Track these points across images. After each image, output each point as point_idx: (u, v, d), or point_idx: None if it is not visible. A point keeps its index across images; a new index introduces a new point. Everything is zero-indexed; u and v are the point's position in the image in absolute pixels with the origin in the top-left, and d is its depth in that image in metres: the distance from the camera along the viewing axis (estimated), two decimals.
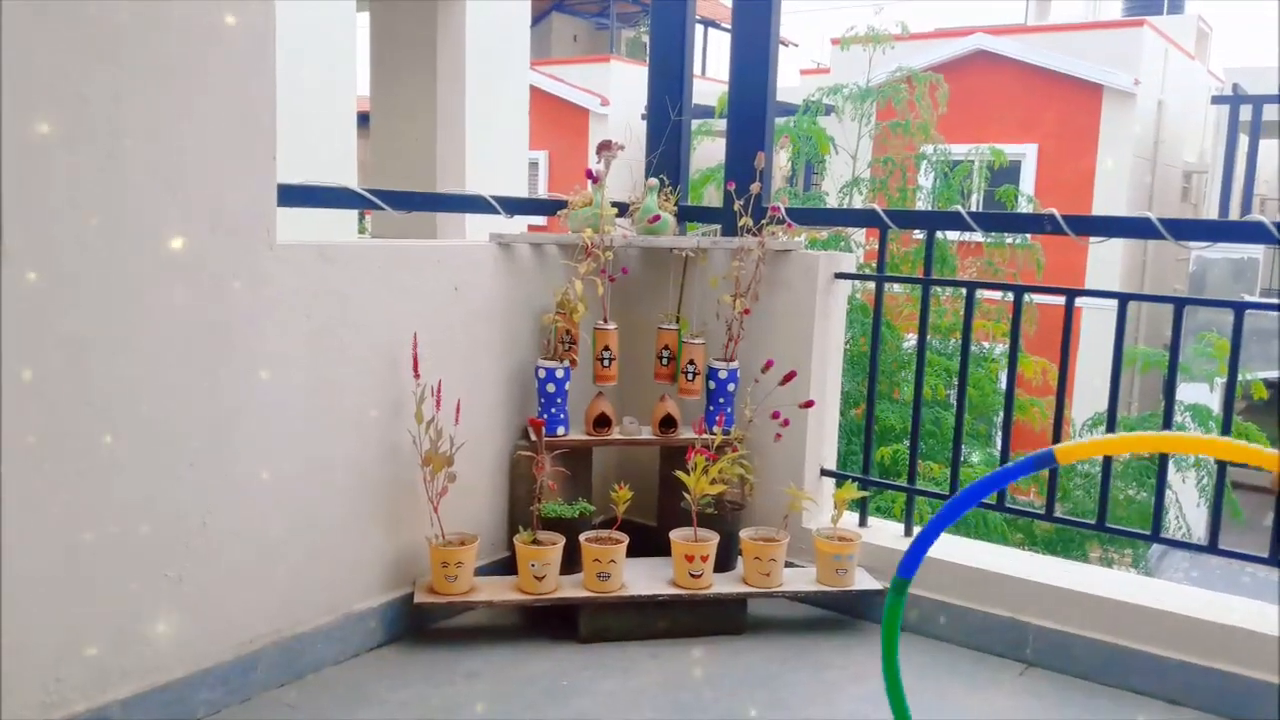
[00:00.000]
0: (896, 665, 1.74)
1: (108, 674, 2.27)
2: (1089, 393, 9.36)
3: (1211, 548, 2.87)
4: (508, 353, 3.25)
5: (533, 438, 3.10)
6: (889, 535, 3.31)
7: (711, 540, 3.06)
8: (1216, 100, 15.18)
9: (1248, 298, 12.11)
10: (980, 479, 1.55)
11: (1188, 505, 9.07)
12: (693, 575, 3.02)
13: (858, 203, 8.95)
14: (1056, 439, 3.13)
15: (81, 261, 2.13)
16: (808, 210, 5.47)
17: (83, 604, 2.22)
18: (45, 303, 2.08)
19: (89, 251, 2.14)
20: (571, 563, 3.03)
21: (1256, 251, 12.65)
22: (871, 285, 3.51)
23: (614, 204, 3.39)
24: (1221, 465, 2.92)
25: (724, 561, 3.15)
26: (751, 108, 3.44)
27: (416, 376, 2.86)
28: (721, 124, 4.19)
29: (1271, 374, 10.11)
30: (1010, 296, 3.26)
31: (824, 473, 3.40)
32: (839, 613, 3.23)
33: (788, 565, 3.14)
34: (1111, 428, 3.12)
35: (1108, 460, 3.10)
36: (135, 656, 2.32)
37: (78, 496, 2.18)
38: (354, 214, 7.40)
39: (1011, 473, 1.55)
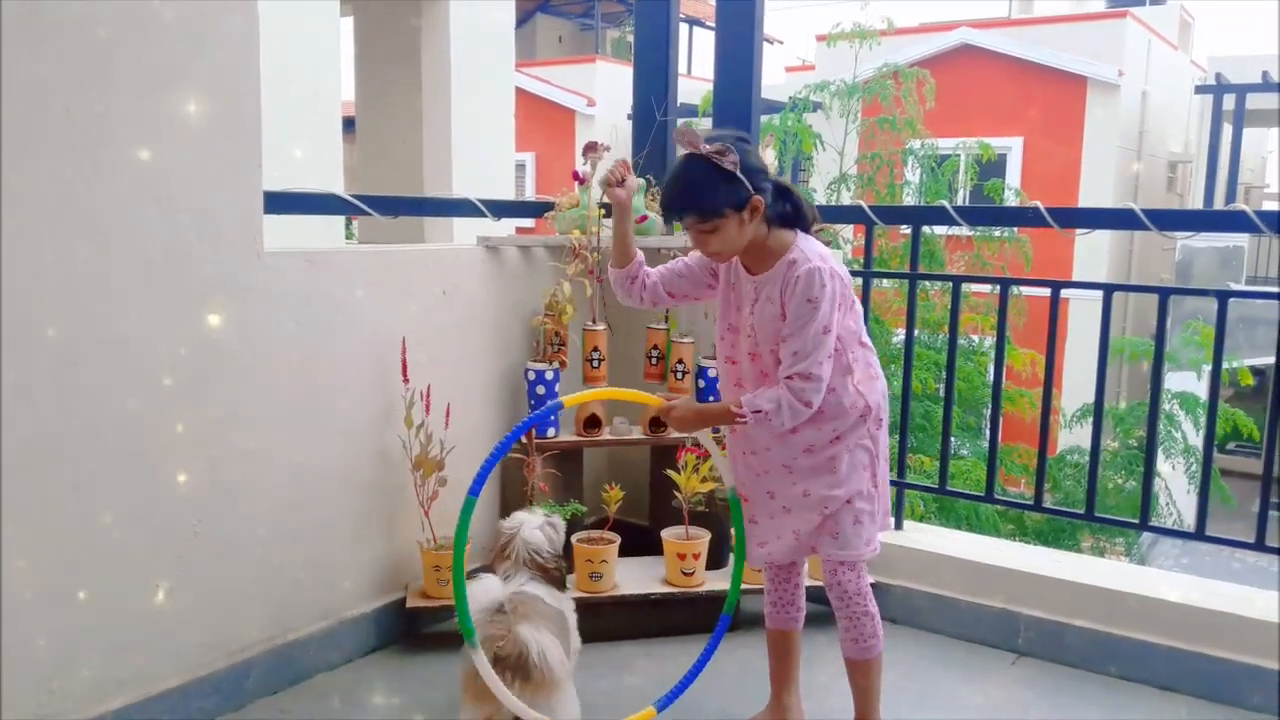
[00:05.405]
0: (462, 574, 2.18)
1: (102, 684, 2.27)
2: (1078, 383, 9.39)
3: (1199, 534, 2.89)
4: (497, 355, 3.26)
5: (523, 440, 3.10)
6: None
7: (703, 538, 3.06)
8: (1200, 90, 15.26)
9: (1234, 286, 12.20)
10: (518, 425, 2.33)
11: (1178, 493, 9.11)
12: (685, 573, 3.03)
13: (845, 199, 8.98)
14: (1044, 429, 3.15)
15: (67, 272, 2.13)
16: None
17: (76, 615, 2.22)
18: (30, 313, 2.08)
19: (75, 262, 2.14)
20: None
21: (1242, 240, 12.71)
22: (859, 280, 3.51)
23: (601, 205, 3.39)
24: (1208, 455, 2.94)
25: (716, 559, 3.16)
26: (737, 106, 3.44)
27: (406, 381, 2.86)
28: (706, 123, 4.19)
29: (1257, 360, 10.17)
30: (998, 289, 3.28)
31: None
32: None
33: None
34: (1099, 417, 3.15)
35: (1095, 452, 3.13)
36: (129, 666, 2.32)
37: (67, 508, 2.18)
38: (341, 220, 7.37)
39: (534, 419, 2.39)
